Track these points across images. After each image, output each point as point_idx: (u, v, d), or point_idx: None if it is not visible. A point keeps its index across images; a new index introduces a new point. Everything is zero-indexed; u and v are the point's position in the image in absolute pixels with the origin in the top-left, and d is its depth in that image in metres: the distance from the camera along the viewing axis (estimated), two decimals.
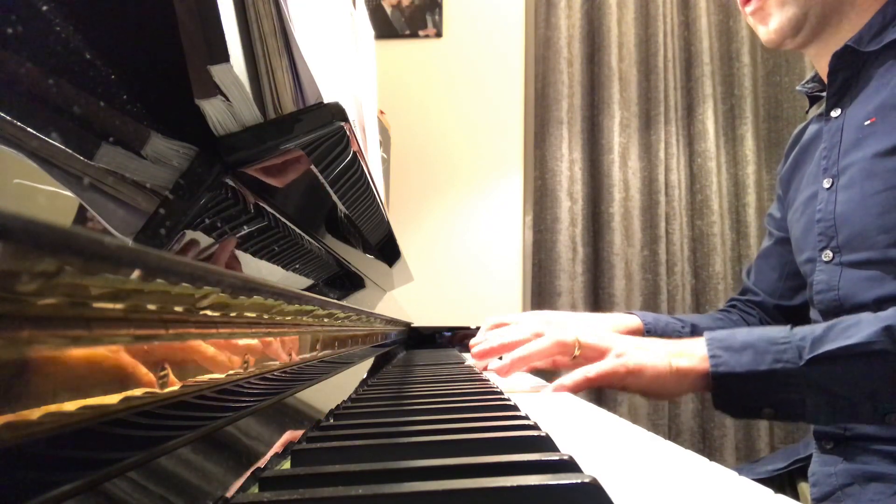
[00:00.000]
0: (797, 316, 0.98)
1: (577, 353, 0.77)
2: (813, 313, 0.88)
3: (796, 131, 1.01)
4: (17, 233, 0.12)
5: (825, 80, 0.87)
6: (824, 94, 0.88)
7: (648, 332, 0.98)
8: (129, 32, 0.33)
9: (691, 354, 0.74)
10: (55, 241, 0.13)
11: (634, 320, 1.01)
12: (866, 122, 0.79)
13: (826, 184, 0.84)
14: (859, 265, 0.78)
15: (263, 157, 0.36)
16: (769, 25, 0.87)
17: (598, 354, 0.77)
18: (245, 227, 0.42)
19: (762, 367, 0.69)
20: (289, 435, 0.37)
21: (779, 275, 1.04)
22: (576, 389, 0.74)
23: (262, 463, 0.31)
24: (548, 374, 0.89)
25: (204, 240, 0.36)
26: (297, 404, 0.44)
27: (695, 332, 0.99)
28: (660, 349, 0.76)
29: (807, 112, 0.98)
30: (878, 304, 0.74)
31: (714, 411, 1.94)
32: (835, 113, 0.86)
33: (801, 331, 0.71)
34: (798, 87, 0.98)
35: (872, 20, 0.81)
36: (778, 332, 0.72)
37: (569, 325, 0.92)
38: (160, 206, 0.30)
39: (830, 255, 0.82)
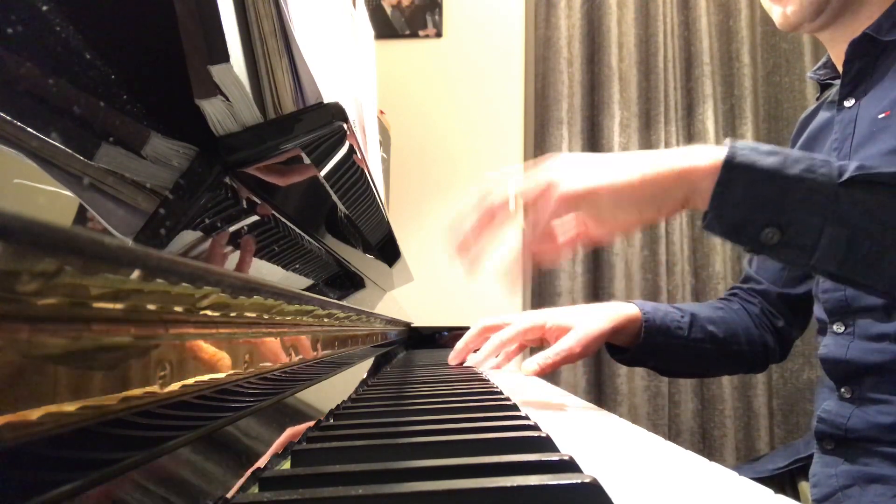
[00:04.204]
0: (802, 305, 0.96)
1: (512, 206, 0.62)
2: (818, 309, 0.86)
3: (803, 116, 0.97)
4: (17, 233, 0.12)
5: (838, 66, 0.84)
6: (836, 81, 0.85)
7: (647, 321, 0.95)
8: (129, 32, 0.33)
9: (699, 153, 0.59)
10: (55, 241, 0.13)
11: (633, 309, 0.97)
12: (880, 116, 0.76)
13: None
14: None
15: (263, 157, 0.36)
16: (787, 7, 0.82)
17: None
18: (245, 227, 0.42)
19: (789, 171, 0.57)
20: (288, 434, 0.37)
21: None
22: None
23: (261, 463, 0.31)
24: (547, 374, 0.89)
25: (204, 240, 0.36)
26: (297, 404, 0.44)
27: (694, 321, 0.96)
28: (632, 158, 0.60)
29: (817, 98, 0.95)
30: (888, 309, 0.73)
31: (714, 411, 1.95)
32: (848, 103, 0.83)
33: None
34: (809, 74, 0.95)
35: (893, 7, 0.77)
36: (821, 156, 0.60)
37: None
38: (160, 206, 0.30)
39: None
